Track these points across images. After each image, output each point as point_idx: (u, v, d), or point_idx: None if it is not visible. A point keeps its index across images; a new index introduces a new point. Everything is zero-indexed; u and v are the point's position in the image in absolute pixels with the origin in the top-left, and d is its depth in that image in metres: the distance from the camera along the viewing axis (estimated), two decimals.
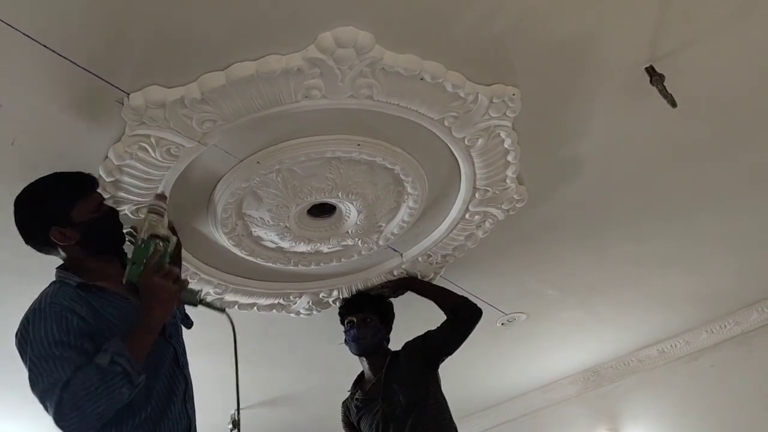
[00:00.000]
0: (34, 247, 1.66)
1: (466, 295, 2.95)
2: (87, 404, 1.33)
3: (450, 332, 2.45)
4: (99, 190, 1.76)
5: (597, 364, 4.17)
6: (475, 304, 2.50)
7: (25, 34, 1.44)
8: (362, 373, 2.54)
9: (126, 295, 1.61)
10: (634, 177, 2.42)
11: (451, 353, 2.48)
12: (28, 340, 1.44)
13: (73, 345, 1.41)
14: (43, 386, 1.37)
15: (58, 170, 1.80)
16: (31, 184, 1.66)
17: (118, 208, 1.87)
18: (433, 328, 2.48)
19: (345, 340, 2.50)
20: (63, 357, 1.38)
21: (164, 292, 1.51)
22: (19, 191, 1.68)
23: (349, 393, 2.55)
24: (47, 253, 1.66)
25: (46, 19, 1.44)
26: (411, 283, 2.60)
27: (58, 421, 1.35)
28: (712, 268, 3.17)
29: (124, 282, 1.58)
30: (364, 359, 2.48)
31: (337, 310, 2.59)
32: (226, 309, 1.99)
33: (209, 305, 1.87)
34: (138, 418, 1.49)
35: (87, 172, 1.74)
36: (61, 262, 1.67)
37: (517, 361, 3.89)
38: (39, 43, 1.47)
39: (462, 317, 2.46)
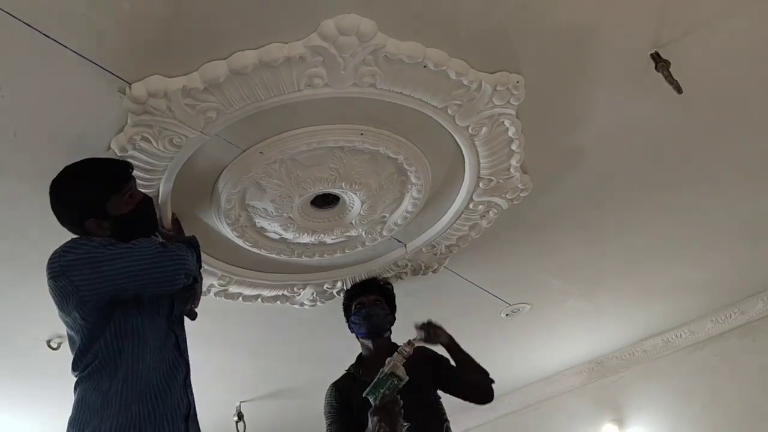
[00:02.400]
0: (67, 228, 1.68)
1: (470, 286, 2.97)
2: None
3: (459, 390, 2.42)
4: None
5: (601, 355, 4.17)
6: (493, 389, 2.46)
7: (26, 24, 1.43)
8: (363, 357, 2.43)
9: None
10: (638, 166, 2.40)
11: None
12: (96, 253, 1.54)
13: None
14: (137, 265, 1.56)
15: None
16: (68, 171, 1.66)
17: None
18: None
19: (352, 322, 2.42)
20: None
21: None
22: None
23: (346, 374, 2.42)
24: (78, 233, 1.68)
25: (47, 9, 1.43)
26: (447, 339, 2.49)
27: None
28: (716, 257, 3.15)
29: (363, 395, 2.04)
30: (370, 343, 2.39)
31: (345, 294, 2.54)
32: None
33: None
34: (138, 393, 1.54)
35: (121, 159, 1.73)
36: None
37: (521, 352, 3.89)
38: (40, 32, 1.46)
39: (480, 394, 2.44)
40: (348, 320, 2.46)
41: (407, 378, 2.03)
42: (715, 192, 2.64)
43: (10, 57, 1.51)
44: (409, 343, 2.13)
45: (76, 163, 1.66)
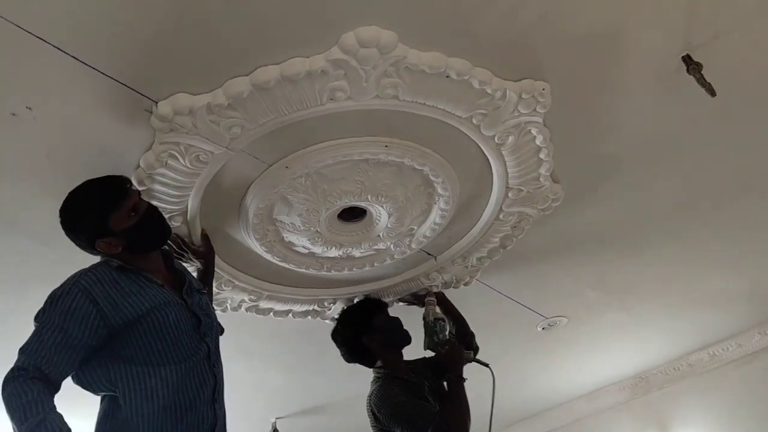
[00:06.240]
0: (89, 252, 1.70)
1: (503, 299, 2.93)
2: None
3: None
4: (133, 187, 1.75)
5: (645, 369, 4.05)
6: None
7: (54, 46, 1.47)
8: (387, 367, 2.36)
9: (161, 283, 1.70)
10: (673, 172, 2.33)
11: None
12: (45, 305, 1.55)
13: (62, 328, 1.50)
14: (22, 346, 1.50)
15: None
16: (67, 197, 1.67)
17: None
18: None
19: (389, 331, 2.39)
20: (42, 338, 1.50)
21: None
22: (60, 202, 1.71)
23: (387, 377, 2.33)
24: (96, 255, 1.70)
25: (74, 32, 1.47)
26: (443, 299, 2.63)
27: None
28: (760, 266, 3.03)
29: (424, 349, 2.42)
30: (399, 352, 2.40)
31: (369, 308, 2.50)
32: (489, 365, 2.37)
33: (476, 361, 2.39)
34: (161, 408, 1.53)
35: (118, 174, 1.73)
36: None
37: (560, 367, 3.80)
38: (69, 54, 1.50)
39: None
40: (375, 332, 2.37)
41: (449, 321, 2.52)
42: (755, 197, 2.54)
43: (39, 79, 1.56)
44: (430, 294, 2.56)
45: (74, 189, 1.67)
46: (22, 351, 1.48)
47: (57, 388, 1.50)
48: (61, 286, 1.58)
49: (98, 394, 1.61)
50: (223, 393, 1.74)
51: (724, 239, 2.79)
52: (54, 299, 1.55)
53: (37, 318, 1.56)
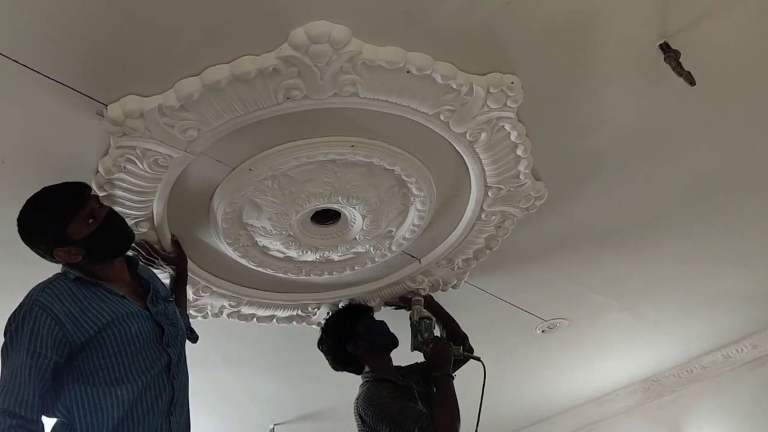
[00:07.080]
0: (48, 261, 1.65)
1: (498, 301, 2.84)
2: None
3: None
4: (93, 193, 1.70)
5: (657, 372, 3.91)
6: None
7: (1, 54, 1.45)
8: (383, 371, 2.29)
9: (123, 294, 1.65)
10: (664, 167, 2.22)
11: None
12: (10, 332, 1.50)
13: (35, 353, 1.45)
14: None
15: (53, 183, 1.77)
16: (24, 206, 1.63)
17: None
18: None
19: (377, 336, 2.34)
20: (22, 373, 1.43)
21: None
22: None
23: (378, 381, 2.27)
24: (56, 262, 1.65)
25: (19, 38, 1.44)
26: (431, 301, 2.56)
27: None
28: None
29: (411, 350, 2.33)
30: (388, 356, 2.33)
31: (352, 312, 2.46)
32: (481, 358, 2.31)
33: (467, 355, 2.36)
34: (112, 428, 1.49)
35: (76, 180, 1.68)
36: None
37: (565, 370, 3.68)
38: (16, 61, 1.47)
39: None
40: (359, 339, 2.31)
41: (434, 317, 2.43)
42: (757, 191, 2.41)
43: None
44: (417, 294, 2.48)
45: (31, 197, 1.61)
46: (6, 394, 1.40)
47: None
48: (20, 307, 1.53)
49: (52, 417, 1.56)
50: (183, 405, 1.69)
51: (729, 236, 2.66)
52: (18, 324, 1.50)
53: (5, 350, 1.50)
